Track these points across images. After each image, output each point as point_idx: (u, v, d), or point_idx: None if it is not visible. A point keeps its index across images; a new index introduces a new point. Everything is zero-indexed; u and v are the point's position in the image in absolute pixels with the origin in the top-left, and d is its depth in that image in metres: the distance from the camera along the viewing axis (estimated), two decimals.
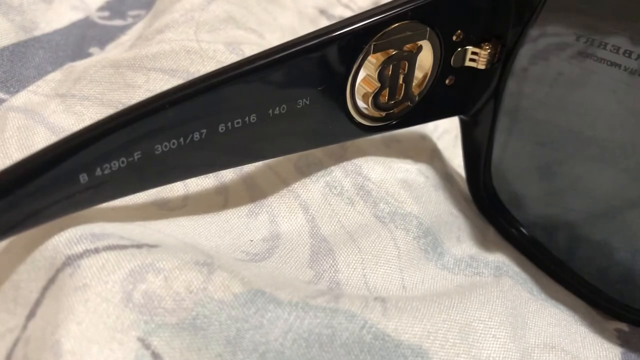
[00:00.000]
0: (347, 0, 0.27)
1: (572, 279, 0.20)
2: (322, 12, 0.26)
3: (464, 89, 0.19)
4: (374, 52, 0.16)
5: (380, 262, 0.17)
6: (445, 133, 0.23)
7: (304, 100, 0.16)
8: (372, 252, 0.17)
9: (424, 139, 0.21)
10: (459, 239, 0.19)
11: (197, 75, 0.19)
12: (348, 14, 0.27)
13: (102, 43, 0.23)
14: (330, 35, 0.16)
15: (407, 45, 0.17)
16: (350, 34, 0.16)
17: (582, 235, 0.20)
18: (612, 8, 0.17)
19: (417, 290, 0.16)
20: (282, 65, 0.15)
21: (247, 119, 0.15)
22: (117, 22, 0.24)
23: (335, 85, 0.17)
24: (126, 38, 0.23)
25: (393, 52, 0.17)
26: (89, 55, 0.22)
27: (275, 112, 0.16)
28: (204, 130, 0.15)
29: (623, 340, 0.17)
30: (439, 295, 0.16)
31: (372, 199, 0.18)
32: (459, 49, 0.18)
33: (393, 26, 0.16)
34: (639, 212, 0.19)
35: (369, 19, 0.16)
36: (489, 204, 0.21)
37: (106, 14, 0.24)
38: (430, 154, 0.21)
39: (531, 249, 0.20)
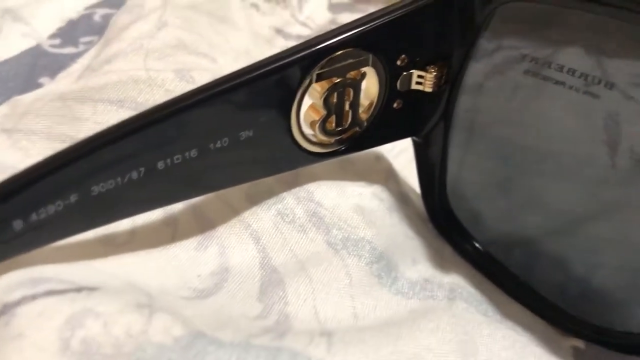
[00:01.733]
0: (305, 18, 0.27)
1: (530, 297, 0.20)
2: (279, 31, 0.26)
3: (413, 112, 0.19)
4: (317, 81, 0.16)
5: (332, 291, 0.17)
6: (403, 152, 0.23)
7: (247, 132, 0.16)
8: (323, 281, 0.17)
9: (379, 159, 0.21)
10: (415, 261, 0.19)
11: (145, 104, 0.19)
12: (306, 32, 0.27)
13: (53, 72, 0.22)
14: (271, 67, 0.16)
15: (351, 73, 0.17)
16: (292, 64, 0.16)
17: (539, 251, 0.20)
18: (553, 28, 0.17)
19: (368, 318, 0.16)
20: (222, 99, 0.15)
21: (187, 154, 0.15)
22: (69, 50, 0.23)
23: (279, 115, 0.16)
24: (77, 67, 0.22)
25: (337, 79, 0.17)
26: (39, 85, 0.22)
27: (217, 146, 0.15)
28: (142, 169, 0.15)
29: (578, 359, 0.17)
30: (390, 323, 0.16)
31: (325, 226, 0.18)
32: (405, 74, 0.18)
33: (335, 54, 0.16)
34: (594, 227, 0.19)
35: (310, 48, 0.16)
36: (445, 222, 0.21)
37: (57, 41, 0.24)
38: (385, 175, 0.21)
39: (488, 267, 0.20)
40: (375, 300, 0.17)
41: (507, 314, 0.18)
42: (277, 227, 0.18)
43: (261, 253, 0.17)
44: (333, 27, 0.24)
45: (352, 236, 0.18)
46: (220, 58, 0.22)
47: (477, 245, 0.21)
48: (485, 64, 0.18)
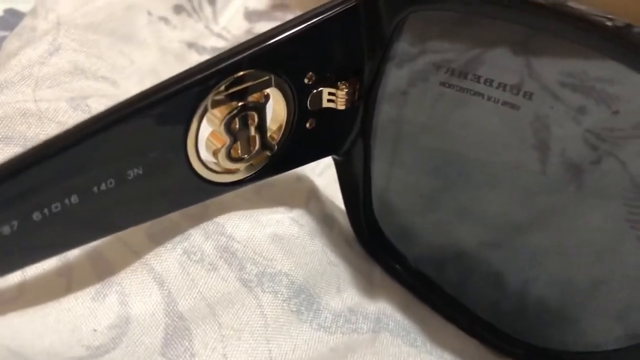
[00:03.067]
0: (220, 29, 0.26)
1: (464, 316, 0.19)
2: (191, 45, 0.24)
3: (329, 130, 0.18)
4: (213, 108, 0.15)
5: (244, 336, 0.15)
6: (328, 168, 0.22)
7: (136, 170, 0.14)
8: (235, 326, 0.15)
9: (300, 180, 0.20)
10: (339, 289, 0.18)
11: (35, 139, 0.17)
12: (221, 44, 0.25)
13: None
14: (157, 96, 0.14)
15: (253, 95, 0.16)
16: (183, 90, 0.14)
17: (472, 267, 0.19)
18: (466, 36, 0.16)
19: None
20: (101, 136, 0.13)
21: (67, 201, 0.13)
22: None
23: (174, 147, 0.15)
24: None
25: (237, 104, 0.15)
26: None
27: (102, 188, 0.14)
28: (15, 222, 0.13)
29: None
30: None
31: (238, 261, 0.17)
32: (314, 92, 0.17)
33: (231, 78, 0.15)
34: (528, 238, 0.18)
35: (201, 72, 0.14)
36: (374, 242, 0.20)
37: None
38: (306, 197, 0.20)
39: (420, 287, 0.19)
40: (294, 340, 0.16)
41: (437, 340, 0.17)
42: (184, 268, 0.16)
43: (166, 299, 0.16)
44: (253, 33, 0.23)
45: (268, 270, 0.17)
46: (123, 81, 0.20)
47: (407, 264, 0.20)
48: (400, 76, 0.17)
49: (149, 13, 0.24)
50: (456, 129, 0.18)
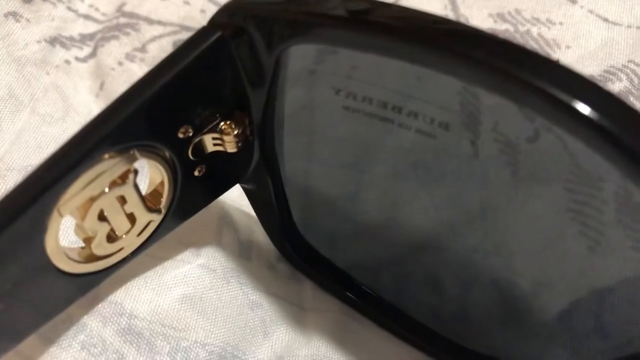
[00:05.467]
0: (87, 8, 0.21)
1: (404, 325, 0.18)
2: (54, 40, 0.20)
3: (224, 168, 0.15)
4: (67, 212, 0.12)
5: None
6: None
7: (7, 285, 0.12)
8: None
9: (208, 208, 0.17)
10: (266, 333, 0.16)
11: None
12: (92, 27, 0.21)
13: None
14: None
15: (116, 180, 0.13)
16: (21, 214, 0.11)
17: (407, 273, 0.18)
18: (343, 61, 0.13)
19: None
20: None
21: None
22: None
23: (36, 260, 0.12)
24: None
25: (98, 195, 0.13)
26: None
27: None
28: None
29: None
30: None
31: (146, 342, 0.15)
32: (195, 142, 0.14)
33: (82, 175, 0.12)
34: (461, 237, 0.17)
35: (40, 183, 0.12)
36: (301, 257, 0.18)
37: None
38: (216, 228, 0.17)
39: (356, 298, 0.18)
40: None
41: None
42: None
43: None
44: (126, 11, 0.19)
45: (182, 343, 0.15)
46: None
47: (340, 274, 0.18)
48: (290, 104, 0.14)
49: None
50: (353, 149, 0.16)
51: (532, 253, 0.16)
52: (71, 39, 0.21)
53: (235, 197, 0.18)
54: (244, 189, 0.17)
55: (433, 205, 0.16)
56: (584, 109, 0.09)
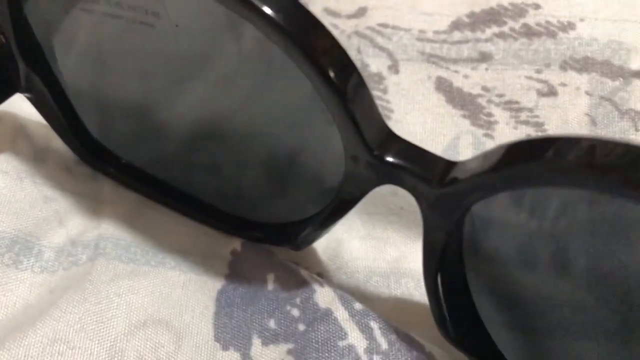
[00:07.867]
0: None
1: (192, 206, 0.20)
2: None
3: None
4: None
5: None
6: None
7: None
8: None
9: (2, 120, 0.19)
10: (61, 222, 0.19)
11: None
12: None
13: None
14: None
15: None
16: None
17: (191, 161, 0.20)
18: None
19: (13, 318, 0.16)
20: None
21: None
22: None
23: None
24: None
25: None
26: None
27: None
28: None
29: (230, 269, 0.18)
30: (28, 316, 0.16)
31: None
32: None
33: None
34: (227, 125, 0.19)
35: None
36: (95, 156, 0.20)
37: None
38: (10, 138, 0.19)
39: (149, 189, 0.20)
40: (15, 293, 0.17)
41: (165, 244, 0.19)
42: None
43: None
44: None
45: None
46: None
47: (133, 169, 0.20)
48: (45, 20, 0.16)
49: None
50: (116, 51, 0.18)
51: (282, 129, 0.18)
52: None
53: (35, 112, 0.20)
54: (28, 99, 0.19)
55: (196, 96, 0.19)
56: None
